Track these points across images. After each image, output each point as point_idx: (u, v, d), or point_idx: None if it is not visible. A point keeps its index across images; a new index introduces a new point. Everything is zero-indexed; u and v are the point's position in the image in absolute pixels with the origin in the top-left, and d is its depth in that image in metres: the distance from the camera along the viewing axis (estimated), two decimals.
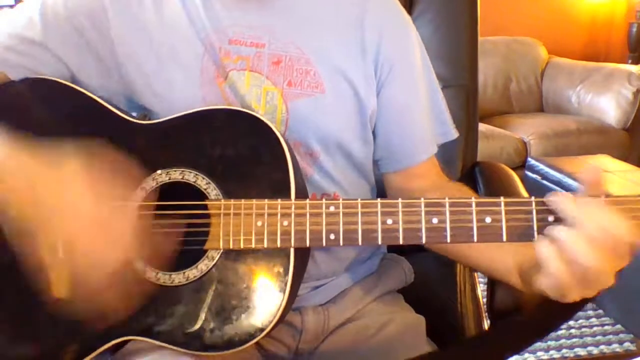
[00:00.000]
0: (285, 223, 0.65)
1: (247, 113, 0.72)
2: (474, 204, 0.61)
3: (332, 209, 0.64)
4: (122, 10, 0.79)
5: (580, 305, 0.92)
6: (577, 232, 0.56)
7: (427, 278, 0.95)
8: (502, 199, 0.60)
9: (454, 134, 0.91)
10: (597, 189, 0.59)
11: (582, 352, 2.00)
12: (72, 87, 0.77)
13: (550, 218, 0.59)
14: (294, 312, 0.83)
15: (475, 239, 0.61)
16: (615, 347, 2.03)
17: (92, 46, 0.79)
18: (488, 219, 0.60)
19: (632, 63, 3.70)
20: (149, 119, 0.81)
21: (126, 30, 0.78)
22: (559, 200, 0.58)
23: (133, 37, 0.79)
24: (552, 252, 0.57)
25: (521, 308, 0.83)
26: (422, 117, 0.87)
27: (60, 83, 0.77)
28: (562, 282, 0.57)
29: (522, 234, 0.60)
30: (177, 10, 0.79)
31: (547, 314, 0.85)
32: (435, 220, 0.61)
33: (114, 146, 0.72)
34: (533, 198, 0.60)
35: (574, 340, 2.06)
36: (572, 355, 1.99)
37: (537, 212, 0.60)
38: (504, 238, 0.60)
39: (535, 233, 0.59)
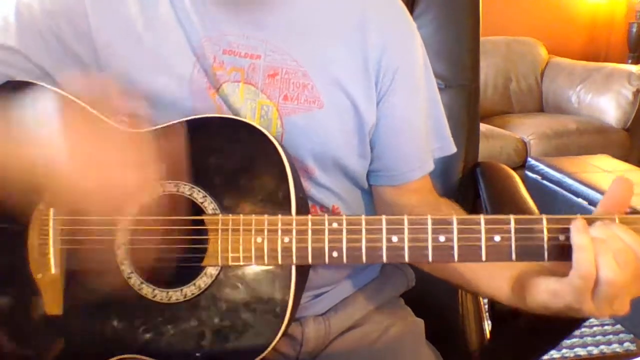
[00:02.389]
0: (286, 240, 0.63)
1: (244, 122, 0.70)
2: (482, 222, 0.59)
3: (335, 225, 0.62)
4: (104, 13, 0.75)
5: (578, 321, 0.91)
6: (609, 247, 0.55)
7: (428, 280, 0.93)
8: (511, 216, 0.59)
9: (452, 148, 0.89)
10: (622, 204, 0.58)
11: (582, 352, 2.00)
12: (59, 92, 0.73)
13: (562, 237, 0.58)
14: (294, 323, 0.81)
15: (483, 258, 0.59)
16: (615, 347, 2.03)
17: (71, 50, 0.75)
18: (497, 238, 0.59)
19: (632, 63, 3.70)
20: None
21: (109, 34, 0.75)
22: (574, 232, 0.57)
23: (117, 42, 0.75)
24: (592, 259, 0.55)
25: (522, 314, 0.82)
26: (421, 131, 0.85)
27: (45, 87, 0.73)
28: (586, 292, 0.56)
29: (532, 254, 0.58)
30: (167, 15, 0.75)
31: (547, 326, 0.84)
32: (442, 239, 0.60)
33: None
34: (544, 216, 0.58)
35: (574, 340, 2.06)
36: (572, 355, 1.99)
37: (549, 230, 0.58)
38: (513, 257, 0.59)
39: (546, 253, 0.58)
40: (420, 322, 0.90)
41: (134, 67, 0.75)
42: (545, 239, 0.58)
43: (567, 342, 2.04)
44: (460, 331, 1.04)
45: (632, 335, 2.07)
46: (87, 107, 0.73)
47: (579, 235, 0.56)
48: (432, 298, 1.00)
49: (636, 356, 2.12)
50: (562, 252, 0.57)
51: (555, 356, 1.97)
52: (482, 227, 0.59)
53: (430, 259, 0.60)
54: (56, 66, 0.75)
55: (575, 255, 0.56)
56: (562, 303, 0.58)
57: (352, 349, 0.83)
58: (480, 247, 0.59)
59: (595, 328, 2.12)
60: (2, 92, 0.73)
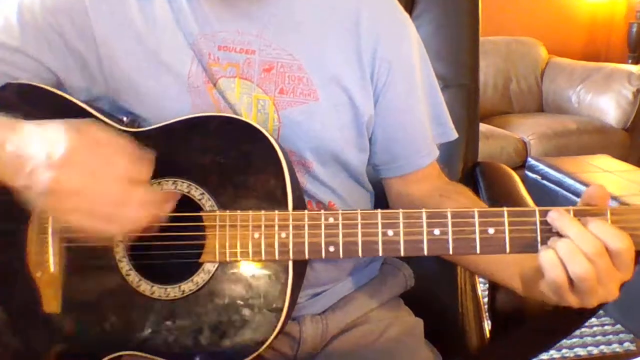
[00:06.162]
0: (283, 235, 0.64)
1: (240, 120, 0.70)
2: (476, 215, 0.59)
3: (331, 220, 0.63)
4: (103, 10, 0.75)
5: (586, 315, 0.91)
6: (577, 246, 0.56)
7: (428, 279, 0.94)
8: (505, 209, 0.59)
9: (453, 134, 0.89)
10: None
11: (582, 352, 2.00)
12: (57, 93, 0.74)
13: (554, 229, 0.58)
14: (292, 322, 0.81)
15: (478, 250, 0.59)
16: (615, 347, 2.02)
17: (73, 47, 0.76)
18: (491, 230, 0.59)
19: (632, 63, 3.69)
20: (138, 125, 0.79)
21: (108, 31, 0.75)
22: (556, 217, 0.58)
23: (116, 38, 0.76)
24: (555, 261, 0.56)
25: (524, 313, 0.82)
26: (423, 120, 0.85)
27: (44, 89, 0.74)
28: (562, 289, 0.57)
29: (526, 246, 0.59)
30: (165, 13, 0.76)
31: (551, 324, 0.84)
32: (437, 232, 0.60)
33: None
34: (537, 208, 0.59)
35: (574, 340, 2.05)
36: (572, 355, 1.98)
37: (541, 222, 0.58)
38: (507, 250, 0.59)
39: (539, 245, 0.58)
40: (419, 322, 0.90)
41: (134, 64, 0.76)
42: (538, 230, 0.58)
43: (567, 342, 2.03)
44: (460, 331, 1.04)
45: (632, 335, 2.07)
46: (87, 108, 0.74)
47: (545, 255, 0.58)
48: (431, 298, 1.00)
49: (636, 356, 2.12)
50: None
51: (555, 356, 1.97)
52: (476, 219, 0.59)
53: (425, 252, 0.60)
54: (59, 65, 0.76)
55: (540, 261, 0.58)
56: (553, 300, 0.60)
57: (350, 348, 0.83)
58: (474, 240, 0.59)
59: (595, 328, 2.11)
60: (2, 93, 0.74)
